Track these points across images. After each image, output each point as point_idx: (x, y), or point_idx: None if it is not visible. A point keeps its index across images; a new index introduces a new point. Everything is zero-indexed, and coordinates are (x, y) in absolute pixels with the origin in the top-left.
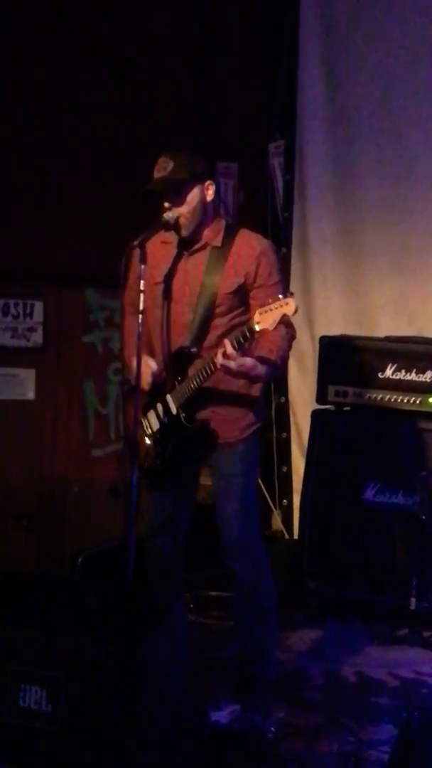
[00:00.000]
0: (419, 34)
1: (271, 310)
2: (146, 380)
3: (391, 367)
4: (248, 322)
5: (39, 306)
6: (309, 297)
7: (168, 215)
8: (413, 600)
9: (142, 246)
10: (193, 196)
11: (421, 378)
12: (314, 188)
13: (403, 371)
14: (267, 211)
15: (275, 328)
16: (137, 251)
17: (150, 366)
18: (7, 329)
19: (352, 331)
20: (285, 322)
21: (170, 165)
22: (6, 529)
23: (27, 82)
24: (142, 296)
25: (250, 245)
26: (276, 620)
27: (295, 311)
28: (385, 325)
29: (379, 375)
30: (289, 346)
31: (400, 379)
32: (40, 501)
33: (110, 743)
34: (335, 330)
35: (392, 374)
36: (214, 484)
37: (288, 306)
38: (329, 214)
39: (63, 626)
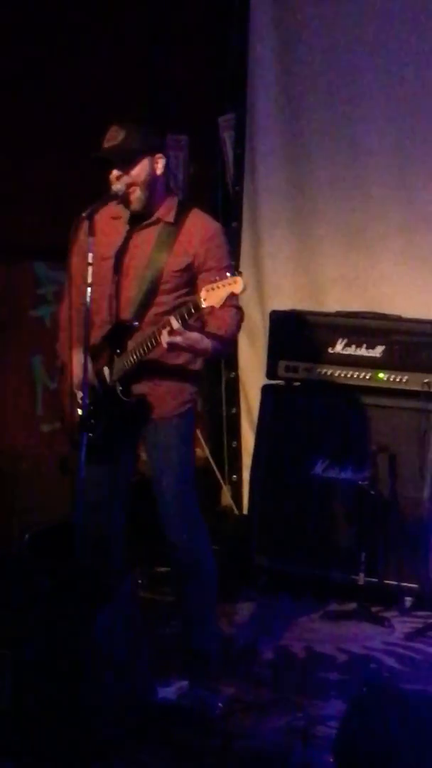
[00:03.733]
0: (374, 10)
1: (218, 287)
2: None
3: (341, 343)
4: (194, 298)
5: None
6: (259, 271)
7: (117, 187)
8: (362, 575)
9: (90, 218)
10: (143, 167)
11: (371, 353)
12: (265, 163)
13: (353, 346)
14: (217, 185)
15: (223, 308)
16: (86, 224)
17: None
18: None
19: (303, 306)
20: (234, 305)
21: (121, 134)
22: None
23: None
24: (90, 269)
25: (202, 226)
26: (215, 593)
27: (243, 290)
28: (336, 301)
29: (330, 350)
30: (238, 328)
31: (350, 354)
32: None
33: (57, 721)
34: (286, 305)
35: (342, 349)
36: (150, 458)
37: (236, 284)
38: (281, 189)
39: (9, 604)
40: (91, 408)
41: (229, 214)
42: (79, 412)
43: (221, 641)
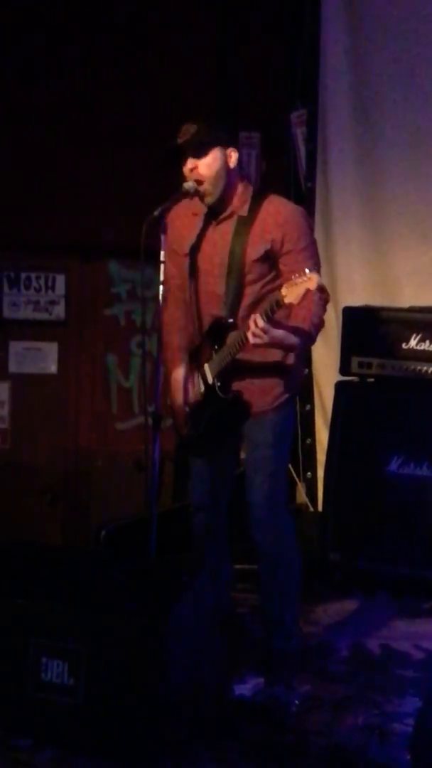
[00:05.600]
0: None
1: (296, 284)
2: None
3: (415, 338)
4: (276, 295)
5: (61, 279)
6: (332, 267)
7: (188, 184)
8: None
9: (162, 216)
10: (215, 157)
11: None
12: (337, 157)
13: (427, 342)
14: (290, 181)
15: (306, 295)
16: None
17: (181, 370)
18: (30, 303)
19: (376, 301)
20: (318, 287)
21: (193, 128)
22: (30, 503)
23: (52, 53)
24: (162, 267)
25: (276, 211)
26: (298, 594)
27: (322, 290)
28: (410, 296)
29: (403, 346)
30: (324, 311)
31: (424, 349)
32: (64, 475)
33: (133, 716)
34: (359, 300)
35: (416, 345)
36: (246, 454)
37: (311, 281)
38: (353, 184)
39: (85, 599)
40: (194, 405)
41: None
42: (187, 409)
43: (301, 641)
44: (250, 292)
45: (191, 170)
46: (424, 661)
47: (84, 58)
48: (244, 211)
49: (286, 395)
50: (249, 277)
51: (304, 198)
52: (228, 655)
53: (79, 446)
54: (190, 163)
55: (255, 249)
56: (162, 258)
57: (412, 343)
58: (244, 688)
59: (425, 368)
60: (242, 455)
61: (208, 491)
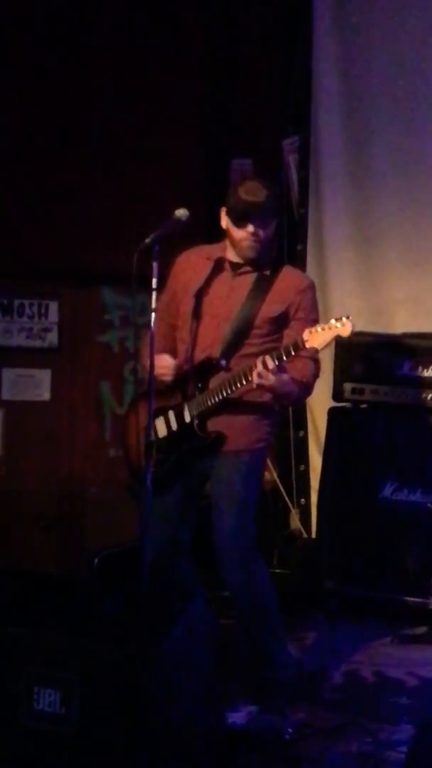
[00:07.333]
0: None
1: (323, 329)
2: (168, 371)
3: (408, 364)
4: (295, 339)
5: (54, 306)
6: (325, 294)
7: (181, 212)
8: None
9: (154, 244)
10: (272, 229)
11: None
12: (329, 184)
13: (420, 367)
14: (282, 207)
15: (302, 359)
16: (177, 260)
17: (166, 360)
18: (23, 330)
19: (369, 327)
20: (313, 357)
21: (264, 193)
22: (23, 529)
23: (39, 82)
24: (154, 294)
25: (296, 278)
26: (279, 623)
27: (351, 334)
28: (402, 322)
29: (396, 372)
30: (315, 378)
31: (417, 375)
32: (57, 502)
33: (125, 745)
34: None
35: (409, 371)
36: (213, 490)
37: (344, 328)
38: (345, 211)
39: (78, 628)
40: (163, 443)
41: (294, 236)
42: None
43: (293, 669)
44: (251, 344)
45: (253, 234)
46: (418, 688)
47: (77, 85)
48: (266, 270)
49: (264, 442)
50: (257, 331)
51: (297, 225)
52: (221, 684)
53: (72, 473)
54: (252, 227)
55: (272, 308)
56: (154, 285)
57: (405, 368)
58: (238, 716)
59: (418, 394)
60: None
61: (171, 529)
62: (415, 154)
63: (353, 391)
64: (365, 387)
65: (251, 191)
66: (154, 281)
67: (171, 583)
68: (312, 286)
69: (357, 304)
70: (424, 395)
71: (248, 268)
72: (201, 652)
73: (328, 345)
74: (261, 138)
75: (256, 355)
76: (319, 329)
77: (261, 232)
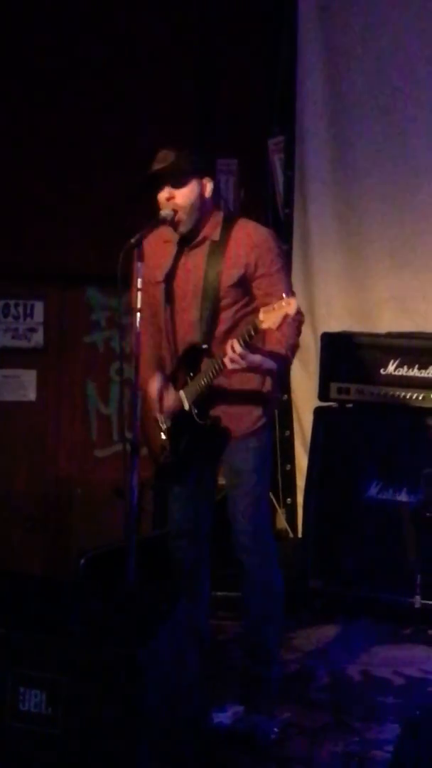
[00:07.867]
0: (422, 23)
1: (273, 309)
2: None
3: (393, 363)
4: (253, 321)
5: (39, 306)
6: (311, 293)
7: (165, 212)
8: (418, 598)
9: (138, 244)
10: (192, 188)
11: (424, 374)
12: (315, 184)
13: (405, 367)
14: (268, 207)
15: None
16: (136, 251)
17: (156, 383)
18: (8, 330)
19: (354, 327)
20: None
21: (171, 156)
22: (10, 530)
23: (25, 82)
24: (139, 294)
25: (247, 235)
26: (282, 620)
27: (297, 312)
28: (388, 321)
29: (382, 371)
30: (299, 332)
31: (402, 375)
32: (43, 502)
33: (111, 746)
34: (337, 326)
35: (395, 370)
36: (227, 479)
37: (289, 306)
38: (330, 210)
39: (63, 629)
40: (171, 431)
41: (279, 236)
42: (162, 436)
43: (281, 668)
44: (225, 318)
45: (168, 199)
46: (404, 687)
47: (61, 85)
48: (215, 236)
49: (264, 419)
50: (224, 302)
51: (283, 225)
52: (207, 683)
53: (58, 474)
54: (167, 192)
55: (230, 274)
56: (139, 285)
57: (390, 368)
58: (224, 716)
59: (403, 394)
60: (221, 481)
61: (189, 519)
62: (400, 156)
63: (339, 390)
64: (351, 386)
65: (156, 160)
66: (140, 281)
67: (174, 573)
68: (267, 237)
69: (343, 303)
70: (409, 395)
71: (197, 240)
72: (186, 651)
73: (280, 324)
74: (246, 137)
75: (233, 326)
76: (273, 308)
77: (176, 196)
